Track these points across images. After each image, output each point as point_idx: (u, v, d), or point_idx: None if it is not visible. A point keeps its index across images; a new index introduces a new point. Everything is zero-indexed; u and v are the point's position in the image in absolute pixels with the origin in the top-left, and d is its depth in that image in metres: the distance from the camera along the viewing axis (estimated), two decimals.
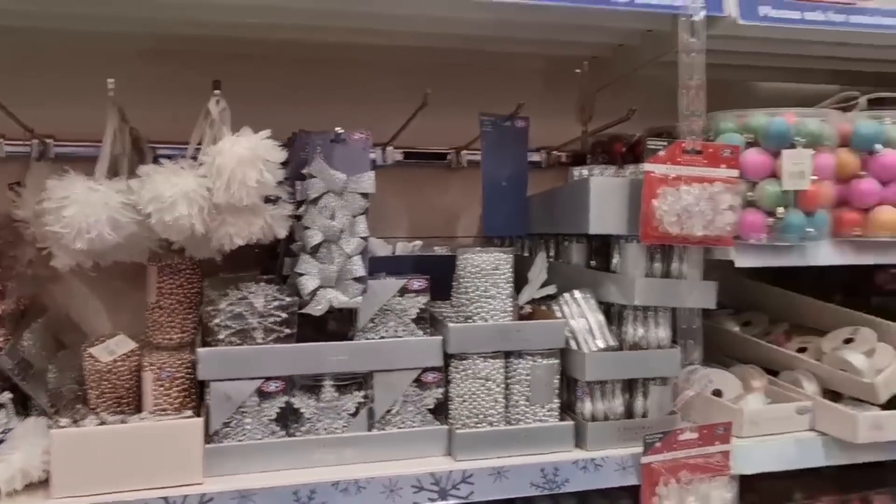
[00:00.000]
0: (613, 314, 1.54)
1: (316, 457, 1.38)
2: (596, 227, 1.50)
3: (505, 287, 1.49)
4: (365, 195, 1.44)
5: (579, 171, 1.66)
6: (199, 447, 1.32)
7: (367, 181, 1.44)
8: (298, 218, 1.43)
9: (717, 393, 1.61)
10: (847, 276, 2.08)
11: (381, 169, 1.94)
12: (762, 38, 1.71)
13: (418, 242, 1.72)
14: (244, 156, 1.32)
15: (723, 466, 1.48)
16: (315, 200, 1.42)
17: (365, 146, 1.46)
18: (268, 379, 1.38)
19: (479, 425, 1.45)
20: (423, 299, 1.48)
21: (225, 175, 1.31)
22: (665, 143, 1.45)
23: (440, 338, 1.45)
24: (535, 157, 2.05)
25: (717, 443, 1.48)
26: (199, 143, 1.42)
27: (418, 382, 1.46)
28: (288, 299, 1.42)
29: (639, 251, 1.50)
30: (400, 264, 1.59)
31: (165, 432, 1.31)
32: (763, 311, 1.94)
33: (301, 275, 1.40)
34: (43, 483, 1.29)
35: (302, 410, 1.40)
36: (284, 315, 1.42)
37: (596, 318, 1.51)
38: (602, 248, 1.60)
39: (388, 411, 1.44)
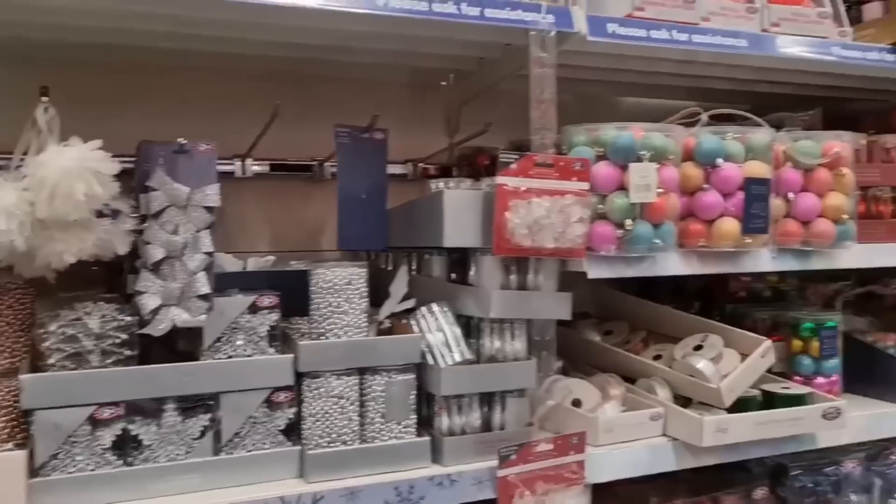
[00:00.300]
0: (472, 327, 1.53)
1: (156, 487, 1.31)
2: (451, 240, 1.50)
3: (359, 302, 1.45)
4: (210, 209, 1.40)
5: (436, 184, 1.65)
6: (21, 483, 1.22)
7: (212, 194, 1.39)
8: (141, 233, 1.37)
9: (577, 402, 1.63)
10: (704, 285, 2.18)
11: (241, 181, 1.89)
12: (615, 54, 1.76)
13: (271, 258, 1.66)
14: (70, 167, 1.25)
15: (578, 476, 1.50)
16: (157, 214, 1.37)
17: (210, 158, 1.41)
18: (101, 405, 1.29)
19: (332, 445, 1.40)
20: (274, 316, 1.43)
21: (47, 188, 1.23)
22: (517, 157, 1.47)
23: (291, 356, 1.41)
24: (400, 170, 2.04)
25: (572, 452, 1.49)
26: (25, 154, 1.33)
27: (269, 403, 1.40)
28: (128, 319, 1.35)
29: (494, 264, 1.50)
30: (254, 280, 1.54)
31: None
32: (624, 319, 1.99)
33: (141, 293, 1.34)
34: None
35: (141, 437, 1.32)
36: (124, 336, 1.34)
37: (453, 332, 1.50)
38: (461, 261, 1.60)
39: (237, 434, 1.38)
